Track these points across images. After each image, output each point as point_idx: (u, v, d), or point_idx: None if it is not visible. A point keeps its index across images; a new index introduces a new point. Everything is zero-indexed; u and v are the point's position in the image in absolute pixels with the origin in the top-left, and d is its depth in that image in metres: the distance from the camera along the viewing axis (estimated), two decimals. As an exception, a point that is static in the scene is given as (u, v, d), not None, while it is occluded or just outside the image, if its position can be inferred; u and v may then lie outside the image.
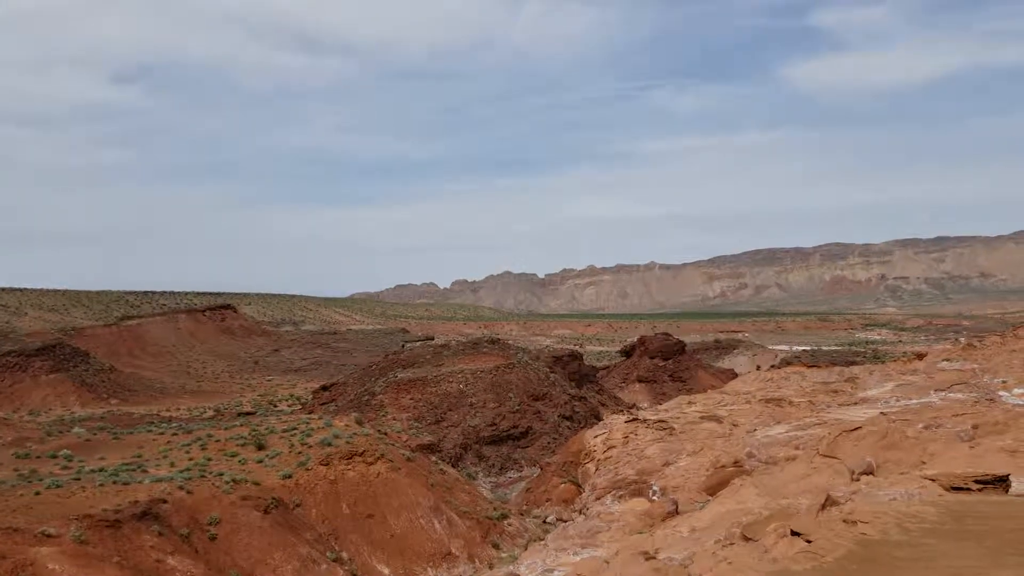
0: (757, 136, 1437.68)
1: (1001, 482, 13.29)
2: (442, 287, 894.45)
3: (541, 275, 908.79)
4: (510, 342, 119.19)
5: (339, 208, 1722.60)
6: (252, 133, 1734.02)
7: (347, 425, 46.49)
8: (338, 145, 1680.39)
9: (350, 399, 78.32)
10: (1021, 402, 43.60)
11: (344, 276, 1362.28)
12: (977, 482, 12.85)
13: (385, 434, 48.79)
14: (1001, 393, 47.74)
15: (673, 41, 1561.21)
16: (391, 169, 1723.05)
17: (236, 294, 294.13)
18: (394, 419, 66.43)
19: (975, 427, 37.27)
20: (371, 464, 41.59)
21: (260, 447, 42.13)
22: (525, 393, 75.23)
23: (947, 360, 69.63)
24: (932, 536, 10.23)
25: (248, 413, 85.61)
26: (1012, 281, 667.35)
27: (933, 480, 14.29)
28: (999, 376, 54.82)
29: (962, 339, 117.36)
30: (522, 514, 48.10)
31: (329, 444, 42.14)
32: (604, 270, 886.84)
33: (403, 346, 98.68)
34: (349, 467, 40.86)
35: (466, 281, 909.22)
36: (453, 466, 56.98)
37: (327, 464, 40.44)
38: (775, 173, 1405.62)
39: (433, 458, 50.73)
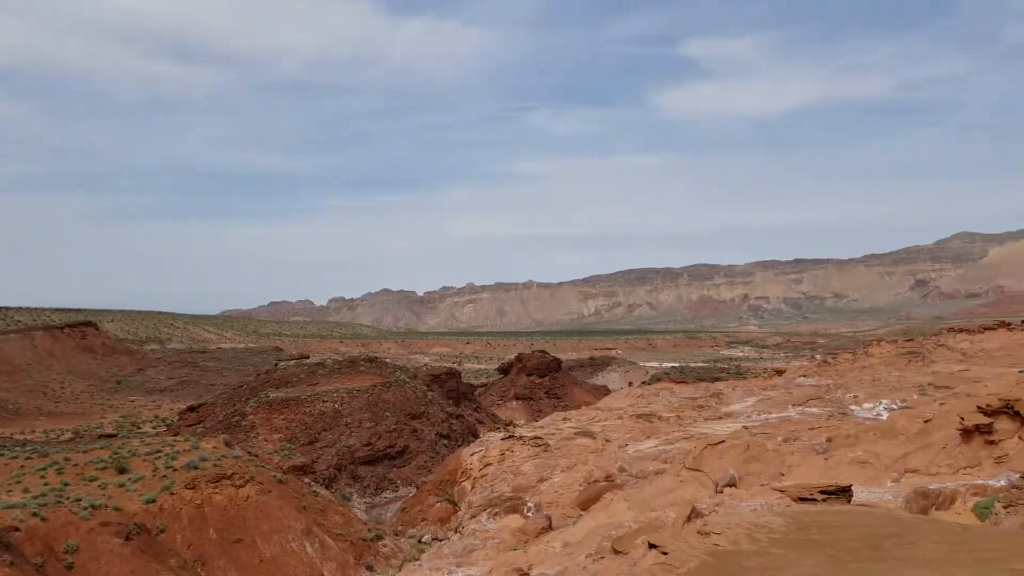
0: (630, 159, 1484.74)
1: (844, 492, 14.25)
2: (318, 304, 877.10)
3: (420, 293, 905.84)
4: (388, 360, 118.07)
5: (212, 223, 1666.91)
6: (120, 143, 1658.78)
7: (215, 447, 44.94)
8: (213, 158, 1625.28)
9: (219, 420, 75.67)
10: (870, 416, 46.54)
11: (215, 293, 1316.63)
12: (822, 493, 13.74)
13: (255, 456, 47.42)
14: (852, 407, 50.79)
15: (551, 65, 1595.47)
16: (267, 183, 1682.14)
17: (98, 310, 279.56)
18: (265, 440, 64.67)
19: (829, 440, 39.56)
20: (240, 487, 40.36)
21: (122, 471, 40.16)
22: (402, 412, 74.68)
23: (804, 376, 73.50)
24: (779, 546, 10.90)
25: (109, 435, 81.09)
26: (863, 301, 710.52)
27: (783, 492, 15.18)
28: (851, 391, 58.28)
29: (817, 356, 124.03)
30: (397, 534, 47.65)
31: (195, 467, 40.63)
32: (483, 288, 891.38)
33: (276, 365, 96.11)
34: (217, 490, 39.52)
35: (343, 299, 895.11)
36: (327, 487, 55.90)
37: (193, 488, 38.98)
38: (647, 195, 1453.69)
39: (306, 480, 49.63)
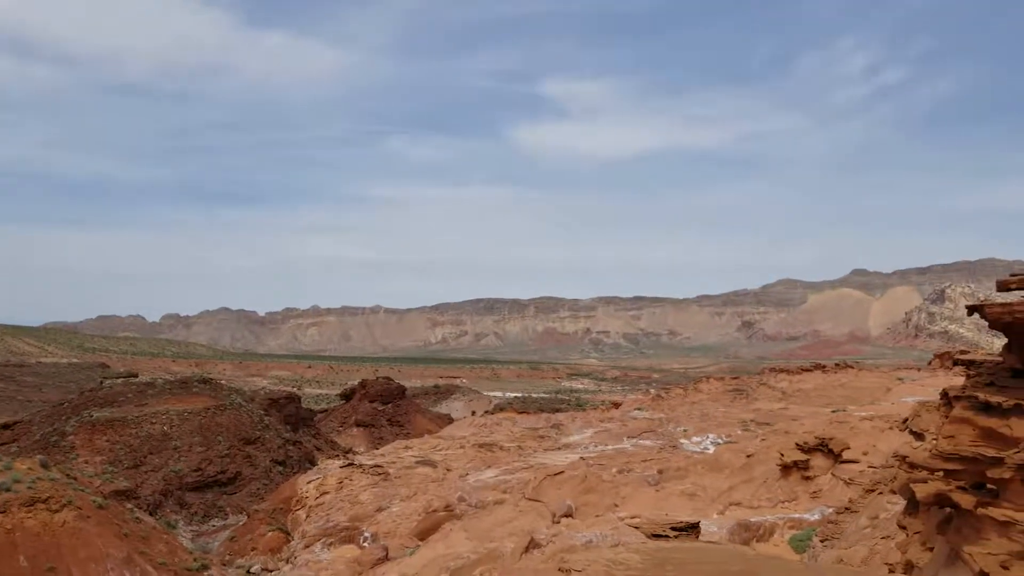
0: (484, 190, 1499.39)
1: (693, 528, 14.93)
2: (151, 321, 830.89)
3: (262, 313, 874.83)
4: (223, 382, 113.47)
5: (40, 229, 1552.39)
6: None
7: (30, 468, 41.69)
8: (45, 161, 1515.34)
9: (36, 439, 70.28)
10: (698, 449, 48.87)
11: (38, 303, 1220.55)
12: (674, 529, 14.34)
13: (74, 479, 44.33)
14: (682, 441, 53.17)
15: (410, 92, 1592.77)
16: (102, 191, 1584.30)
17: None
18: (86, 463, 60.65)
19: (660, 472, 41.24)
20: (56, 512, 37.60)
21: (-84, 495, 36.57)
22: (236, 437, 71.95)
23: (639, 409, 76.32)
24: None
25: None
26: (695, 339, 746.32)
27: (637, 528, 15.75)
28: (681, 425, 61.02)
29: (652, 390, 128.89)
30: (225, 564, 45.71)
31: (8, 489, 37.53)
32: (328, 311, 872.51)
33: (101, 383, 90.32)
34: (30, 515, 36.66)
35: (178, 315, 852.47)
36: (152, 514, 52.95)
37: (4, 512, 36.00)
38: (498, 227, 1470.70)
39: (129, 505, 46.82)
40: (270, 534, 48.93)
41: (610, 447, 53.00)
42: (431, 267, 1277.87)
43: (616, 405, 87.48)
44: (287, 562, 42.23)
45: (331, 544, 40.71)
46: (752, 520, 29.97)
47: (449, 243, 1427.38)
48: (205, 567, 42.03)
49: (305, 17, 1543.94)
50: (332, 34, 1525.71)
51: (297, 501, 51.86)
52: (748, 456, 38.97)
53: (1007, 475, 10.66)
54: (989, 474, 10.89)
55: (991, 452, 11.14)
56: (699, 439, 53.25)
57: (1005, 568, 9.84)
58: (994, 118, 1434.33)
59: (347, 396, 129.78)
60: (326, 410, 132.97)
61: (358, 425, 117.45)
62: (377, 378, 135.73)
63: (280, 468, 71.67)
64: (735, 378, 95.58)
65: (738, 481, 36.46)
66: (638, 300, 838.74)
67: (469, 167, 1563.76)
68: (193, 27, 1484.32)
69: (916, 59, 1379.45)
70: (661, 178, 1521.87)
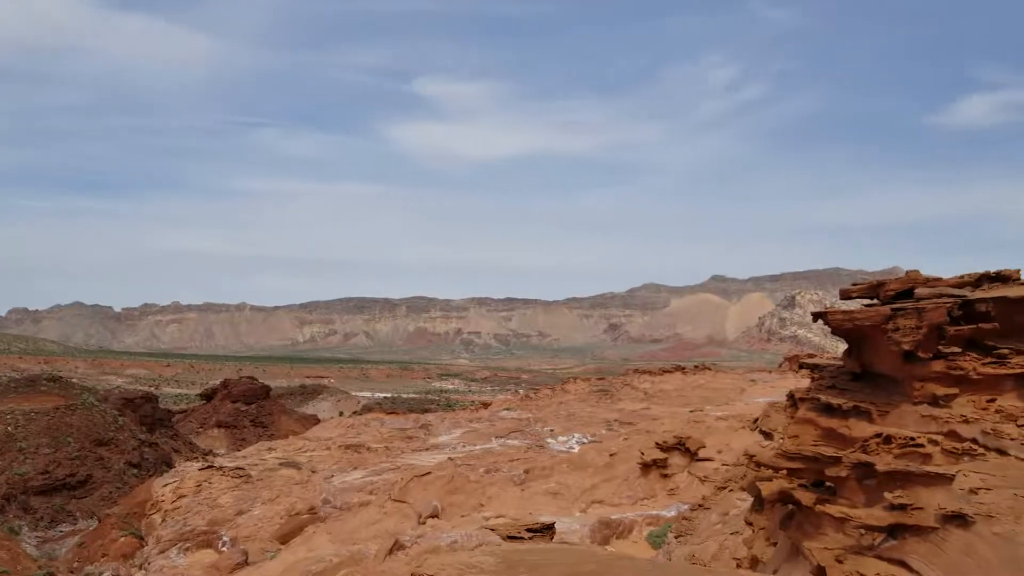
0: (356, 188, 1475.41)
1: (548, 530, 15.20)
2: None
3: (118, 309, 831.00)
4: (75, 381, 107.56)
5: None
6: None
7: None
8: None
9: None
10: (564, 449, 49.87)
11: None
12: (529, 531, 14.53)
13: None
14: (549, 440, 54.16)
15: (283, 84, 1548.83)
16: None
17: None
18: (-88, 468, 56.14)
19: (527, 472, 41.82)
20: None
21: None
22: (87, 438, 68.37)
23: (507, 409, 77.17)
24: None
25: None
26: (564, 341, 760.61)
27: (493, 530, 15.88)
28: (548, 425, 62.13)
29: (521, 391, 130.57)
30: (72, 571, 43.39)
31: None
32: (190, 307, 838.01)
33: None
34: None
35: (26, 310, 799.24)
36: (-11, 522, 49.60)
37: None
38: (371, 225, 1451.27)
39: (-38, 514, 43.71)
40: (122, 539, 46.84)
41: (478, 447, 53.35)
42: (300, 264, 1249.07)
43: (485, 405, 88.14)
44: (140, 568, 40.41)
45: (188, 549, 39.29)
46: (613, 517, 30.88)
47: (319, 240, 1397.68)
48: (51, 574, 39.80)
49: (173, 1, 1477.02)
50: (201, 21, 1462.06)
51: (152, 505, 49.79)
52: (611, 455, 40.07)
53: (844, 473, 11.38)
54: (828, 472, 11.60)
55: (830, 452, 11.87)
56: (565, 439, 54.36)
57: (840, 562, 10.50)
58: (842, 138, 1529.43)
59: (208, 396, 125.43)
60: (185, 410, 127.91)
61: (219, 426, 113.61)
62: (240, 377, 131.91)
63: (135, 471, 68.69)
64: (601, 379, 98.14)
65: (600, 480, 37.44)
66: (509, 301, 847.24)
67: (341, 163, 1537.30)
68: (51, 6, 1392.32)
69: (774, 78, 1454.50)
70: (534, 181, 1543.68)
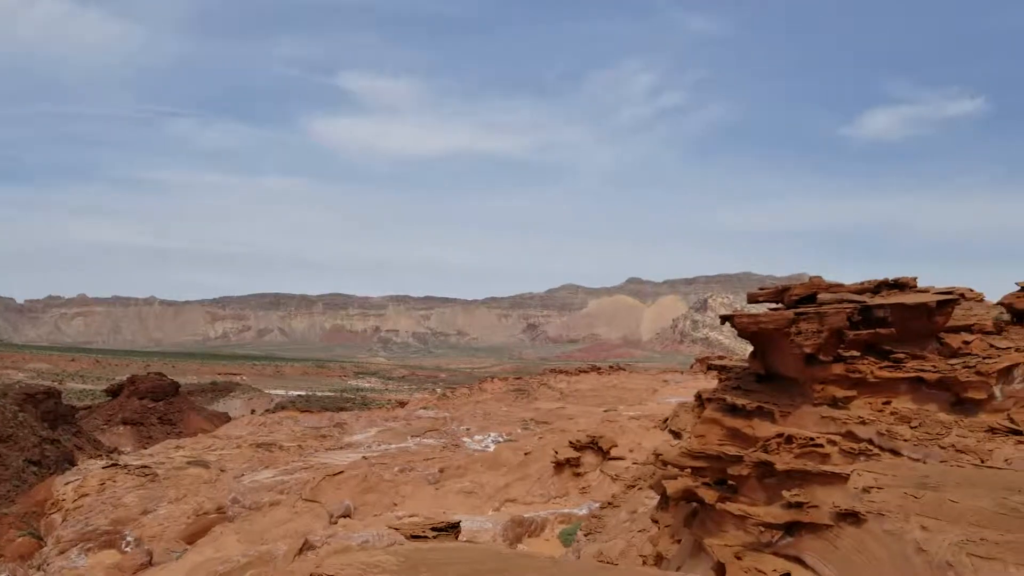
0: (275, 181, 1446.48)
1: (453, 529, 15.21)
2: None
3: (20, 300, 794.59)
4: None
5: None
6: None
7: None
8: None
9: None
10: (480, 448, 49.98)
11: None
12: (434, 529, 14.51)
13: None
14: (465, 439, 54.20)
15: (201, 73, 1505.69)
16: None
17: None
18: None
19: (441, 471, 41.80)
20: None
21: None
22: (-19, 435, 65.42)
23: (424, 408, 76.93)
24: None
25: None
26: (482, 340, 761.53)
27: (398, 529, 15.79)
28: (464, 424, 62.17)
29: (438, 390, 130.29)
30: (-38, 576, 41.36)
31: None
32: (97, 301, 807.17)
33: None
34: None
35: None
36: None
37: None
38: (288, 220, 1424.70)
39: None
40: (20, 539, 45.04)
41: (393, 446, 53.02)
42: (213, 258, 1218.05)
43: (402, 404, 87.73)
44: (39, 569, 38.86)
45: (90, 549, 37.95)
46: (525, 516, 31.12)
47: (234, 233, 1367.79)
48: (-63, 580, 37.93)
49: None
50: (118, 5, 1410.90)
51: (53, 504, 47.98)
52: (526, 454, 40.37)
53: (745, 472, 11.75)
54: (730, 471, 11.95)
55: (733, 451, 12.24)
56: (481, 438, 54.49)
57: (739, 558, 10.83)
58: (756, 146, 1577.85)
59: (114, 392, 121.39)
60: (90, 407, 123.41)
61: (125, 423, 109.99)
62: (148, 374, 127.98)
63: (35, 469, 66.13)
64: (518, 378, 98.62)
65: (514, 478, 37.68)
66: (428, 300, 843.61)
67: (260, 156, 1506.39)
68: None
69: (692, 85, 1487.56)
70: (456, 180, 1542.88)
